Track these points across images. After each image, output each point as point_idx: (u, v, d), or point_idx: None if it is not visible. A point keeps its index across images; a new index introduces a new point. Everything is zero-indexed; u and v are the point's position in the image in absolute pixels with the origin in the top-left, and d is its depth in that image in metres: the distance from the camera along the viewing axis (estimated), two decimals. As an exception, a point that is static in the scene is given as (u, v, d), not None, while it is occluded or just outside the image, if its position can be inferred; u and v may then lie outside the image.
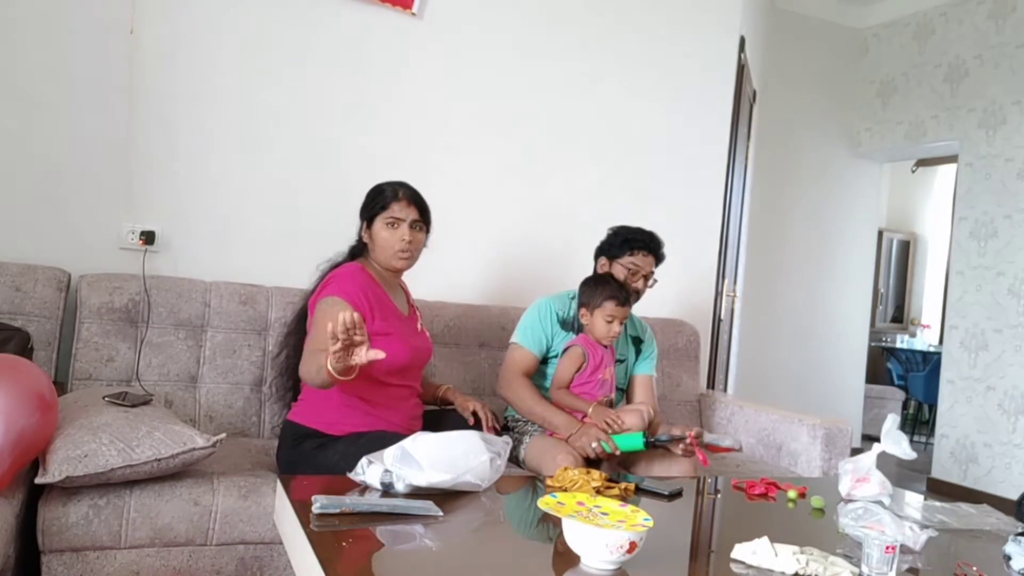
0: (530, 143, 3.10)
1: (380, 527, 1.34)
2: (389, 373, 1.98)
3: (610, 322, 2.24)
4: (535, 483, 1.82)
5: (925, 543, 1.51)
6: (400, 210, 2.04)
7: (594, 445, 2.10)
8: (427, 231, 2.12)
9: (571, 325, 2.38)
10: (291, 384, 2.17)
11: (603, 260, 2.46)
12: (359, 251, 2.13)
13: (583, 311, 2.29)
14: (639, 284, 2.40)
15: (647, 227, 2.46)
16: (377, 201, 2.06)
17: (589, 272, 2.52)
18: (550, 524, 1.42)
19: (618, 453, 2.12)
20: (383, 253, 2.06)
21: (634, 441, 2.12)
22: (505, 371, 2.36)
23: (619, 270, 2.40)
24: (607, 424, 2.14)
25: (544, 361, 2.37)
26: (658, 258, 2.45)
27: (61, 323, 2.25)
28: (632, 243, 2.41)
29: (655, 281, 2.46)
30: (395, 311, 2.08)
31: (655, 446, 2.16)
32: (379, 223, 2.05)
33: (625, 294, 2.29)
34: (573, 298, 2.42)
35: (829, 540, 1.52)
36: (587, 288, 2.31)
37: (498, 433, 2.19)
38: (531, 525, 1.54)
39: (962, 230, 4.75)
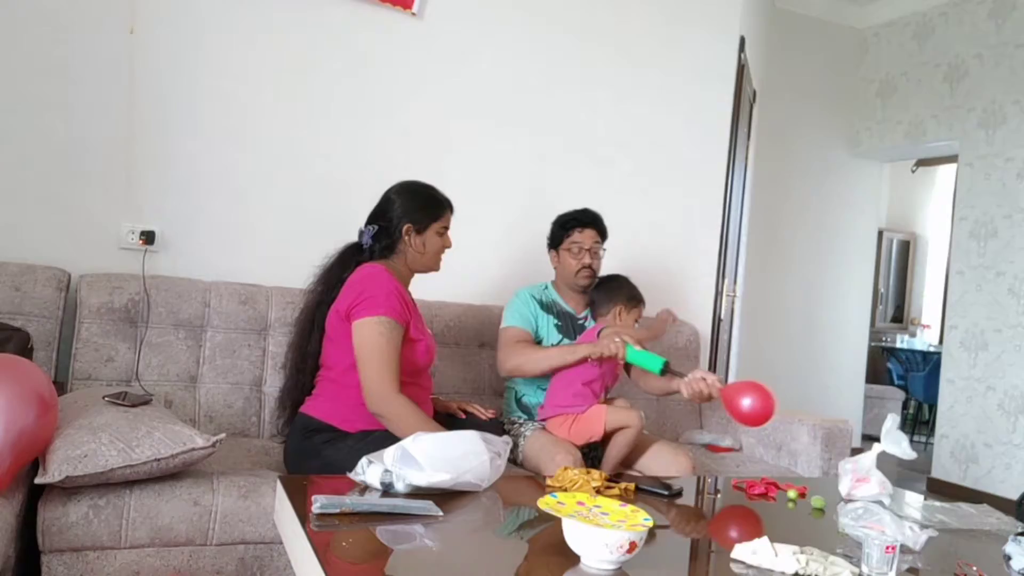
0: (530, 143, 3.10)
1: (380, 527, 1.34)
2: (414, 374, 2.03)
3: (636, 321, 2.39)
4: (535, 483, 1.82)
5: (925, 543, 1.51)
6: (449, 219, 2.15)
7: (617, 340, 2.18)
8: None
9: (549, 308, 2.46)
10: (299, 390, 2.11)
11: (552, 252, 2.52)
12: (379, 252, 2.09)
13: (618, 308, 2.37)
14: (586, 259, 2.44)
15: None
16: (435, 209, 2.11)
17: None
18: (550, 524, 1.42)
19: (623, 361, 2.22)
20: (429, 258, 2.12)
21: (652, 361, 2.16)
22: (503, 348, 2.39)
23: (566, 256, 2.46)
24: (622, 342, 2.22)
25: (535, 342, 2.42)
26: (600, 231, 2.49)
27: (61, 323, 2.26)
28: (567, 224, 2.48)
29: (604, 251, 2.52)
30: (419, 313, 2.11)
31: (672, 374, 2.19)
32: (433, 229, 2.10)
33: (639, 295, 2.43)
34: (545, 288, 2.52)
35: (829, 540, 1.52)
36: (625, 289, 2.41)
37: (497, 422, 2.22)
38: (531, 525, 1.54)
39: (962, 230, 4.75)
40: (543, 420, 2.35)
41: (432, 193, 2.14)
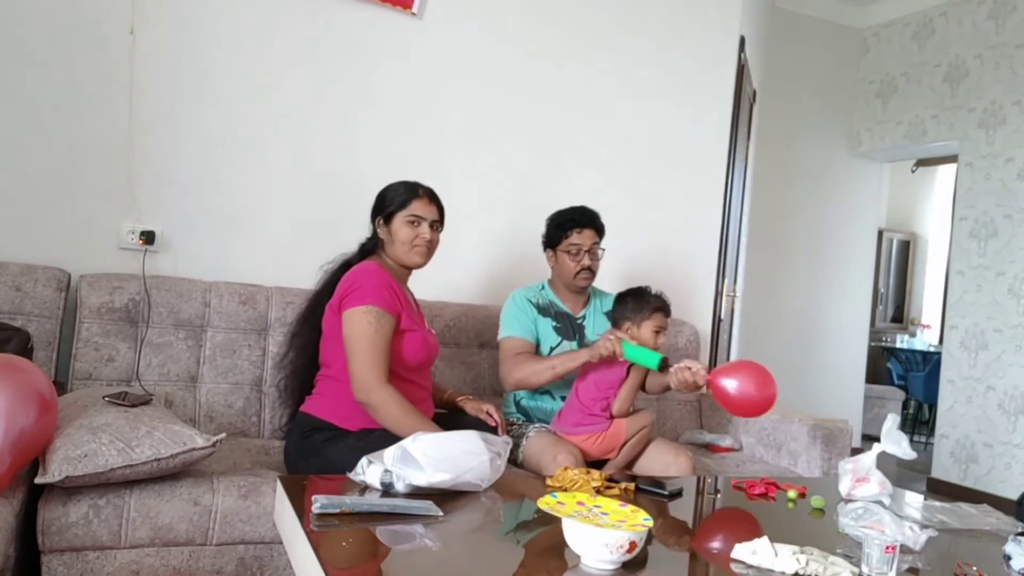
0: (530, 143, 3.10)
1: (380, 527, 1.35)
2: (409, 369, 2.02)
3: (657, 333, 2.23)
4: (535, 483, 1.82)
5: (925, 543, 1.51)
6: (421, 208, 2.08)
7: (612, 339, 2.13)
8: (441, 231, 2.15)
9: (547, 311, 2.43)
10: (299, 384, 2.13)
11: (549, 252, 2.47)
12: (372, 249, 2.12)
13: (627, 324, 2.24)
14: (585, 261, 2.40)
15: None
16: (396, 198, 2.08)
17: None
18: (550, 524, 1.42)
19: (622, 358, 2.14)
20: (402, 249, 2.07)
21: (649, 357, 2.12)
22: (504, 361, 2.36)
23: (565, 258, 2.41)
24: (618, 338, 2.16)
25: (536, 350, 2.39)
26: (597, 229, 2.43)
27: (61, 323, 2.26)
28: (564, 224, 2.41)
29: (603, 251, 2.46)
30: (413, 307, 2.11)
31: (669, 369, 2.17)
32: (399, 220, 2.06)
33: (668, 306, 2.29)
34: (542, 289, 2.49)
35: (829, 540, 1.52)
36: (629, 302, 2.28)
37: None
38: (531, 525, 1.54)
39: (962, 230, 4.75)
40: (563, 433, 2.28)
41: (404, 183, 2.12)
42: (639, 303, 2.26)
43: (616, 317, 2.29)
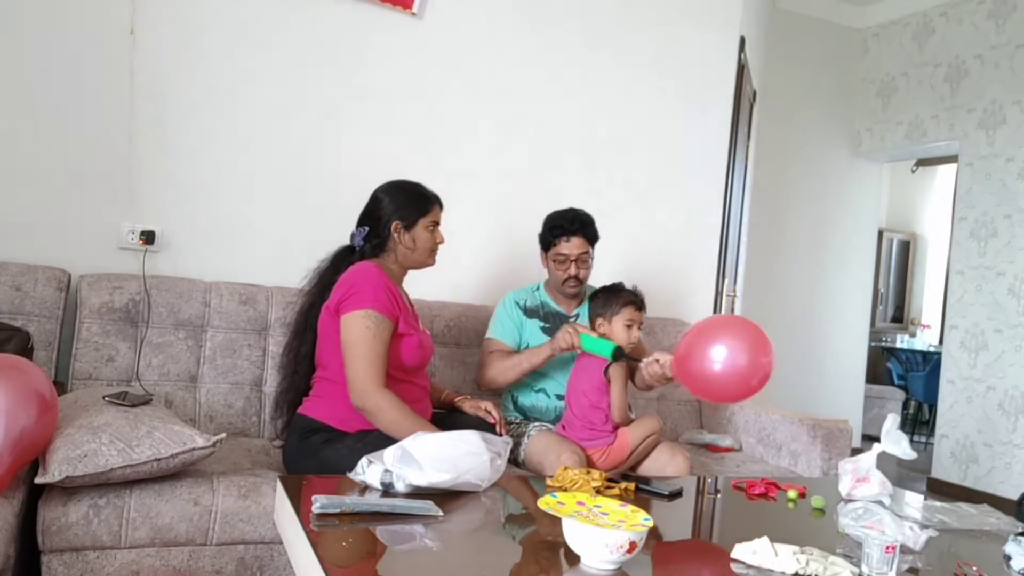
0: (530, 143, 3.10)
1: (380, 527, 1.35)
2: (406, 371, 2.01)
3: (630, 327, 2.23)
4: (535, 483, 1.82)
5: (925, 543, 1.51)
6: (438, 214, 2.14)
7: (570, 331, 2.15)
8: None
9: (535, 312, 2.44)
10: (295, 397, 2.11)
11: (542, 253, 2.46)
12: (370, 251, 2.09)
13: (600, 321, 2.26)
14: (571, 270, 2.38)
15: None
16: (422, 205, 2.10)
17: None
18: (550, 524, 1.42)
19: (580, 350, 2.16)
20: (420, 254, 2.11)
21: (603, 347, 2.12)
22: (480, 360, 2.41)
23: (552, 265, 2.42)
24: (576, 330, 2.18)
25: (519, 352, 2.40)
26: (588, 238, 2.39)
27: (61, 323, 2.26)
28: (553, 231, 2.39)
29: (592, 259, 2.43)
30: (411, 310, 2.11)
31: (626, 359, 2.16)
32: (421, 225, 2.09)
33: (640, 299, 2.28)
34: (536, 289, 2.50)
35: (829, 540, 1.52)
36: (601, 298, 2.30)
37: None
38: (531, 525, 1.54)
39: (962, 230, 4.75)
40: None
41: (418, 189, 2.13)
42: (609, 299, 2.27)
43: (590, 315, 2.30)
